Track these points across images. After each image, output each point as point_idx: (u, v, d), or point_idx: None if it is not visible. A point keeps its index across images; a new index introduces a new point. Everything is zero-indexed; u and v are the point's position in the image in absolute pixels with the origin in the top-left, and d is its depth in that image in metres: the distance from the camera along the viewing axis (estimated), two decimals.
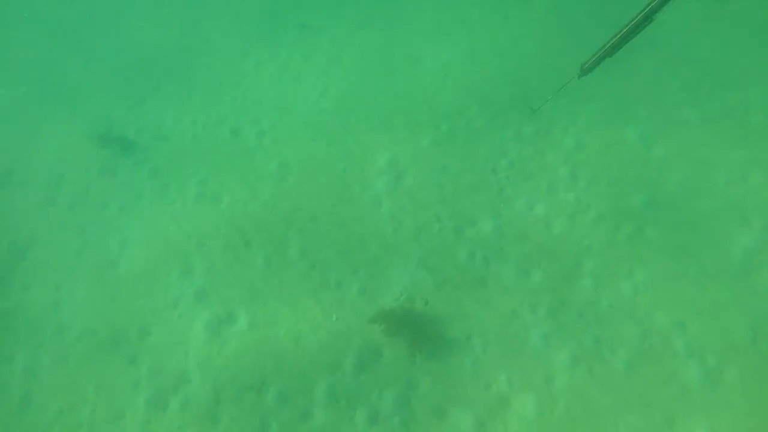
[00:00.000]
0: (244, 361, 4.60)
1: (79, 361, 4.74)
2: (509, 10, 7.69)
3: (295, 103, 6.84)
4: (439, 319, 4.68)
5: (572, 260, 5.03)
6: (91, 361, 4.74)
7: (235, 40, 8.00)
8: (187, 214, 5.75)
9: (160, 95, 7.25)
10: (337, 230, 5.41)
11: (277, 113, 6.71)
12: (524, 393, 4.27)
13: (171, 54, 7.95)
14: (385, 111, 6.54)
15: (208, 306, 4.97)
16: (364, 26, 7.94)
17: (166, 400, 4.45)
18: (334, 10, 8.26)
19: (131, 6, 8.89)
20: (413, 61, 7.21)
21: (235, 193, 5.88)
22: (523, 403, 4.23)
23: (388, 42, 7.57)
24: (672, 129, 5.91)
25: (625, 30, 2.87)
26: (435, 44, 7.41)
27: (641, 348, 4.45)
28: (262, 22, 8.25)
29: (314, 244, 5.31)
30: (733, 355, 4.33)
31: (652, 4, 2.77)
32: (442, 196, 5.60)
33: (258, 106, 6.86)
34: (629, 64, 6.16)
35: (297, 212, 5.61)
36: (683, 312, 4.61)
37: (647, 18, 2.83)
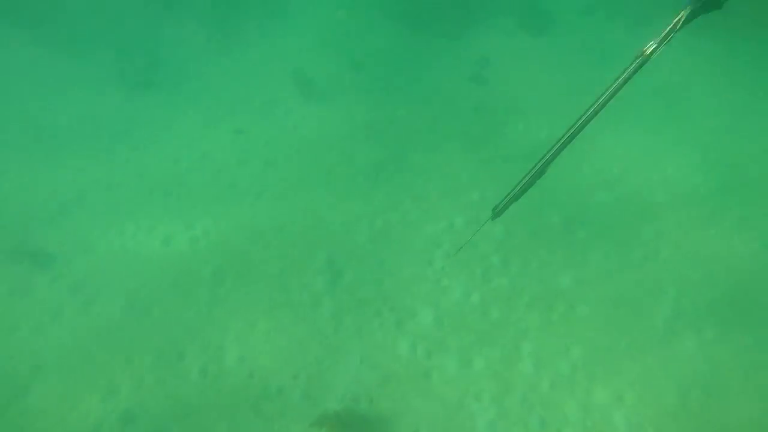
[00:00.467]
0: None
1: None
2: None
3: (230, 206, 7.01)
4: (385, 417, 4.75)
5: (511, 344, 5.29)
6: None
7: (164, 144, 8.19)
8: (113, 330, 5.60)
9: (85, 203, 7.22)
10: (277, 335, 5.48)
11: (210, 217, 6.83)
12: None
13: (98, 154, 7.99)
14: (320, 211, 6.83)
15: (136, 429, 4.83)
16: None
17: None
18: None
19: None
20: (346, 162, 7.62)
21: (167, 302, 5.86)
22: None
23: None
24: (589, 212, 6.49)
25: (533, 173, 3.35)
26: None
27: (584, 426, 4.66)
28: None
29: (252, 352, 5.33)
30: (668, 421, 4.62)
31: (554, 149, 3.28)
32: (382, 291, 5.83)
33: (189, 211, 6.96)
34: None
35: (233, 319, 5.65)
36: (619, 385, 4.90)
37: (549, 162, 3.34)
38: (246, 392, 5.02)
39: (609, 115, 2.92)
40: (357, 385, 5.00)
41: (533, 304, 5.62)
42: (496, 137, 7.81)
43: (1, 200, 7.29)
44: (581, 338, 5.30)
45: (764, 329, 5.27)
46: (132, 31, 10.34)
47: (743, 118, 7.76)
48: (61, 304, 5.87)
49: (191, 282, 6.03)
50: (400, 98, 8.58)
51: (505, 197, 3.41)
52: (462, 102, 8.40)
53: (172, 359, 5.29)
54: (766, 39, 8.41)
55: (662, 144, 7.43)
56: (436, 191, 6.96)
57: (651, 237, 6.25)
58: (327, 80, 9.02)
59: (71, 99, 9.15)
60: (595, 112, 3.05)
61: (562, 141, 3.18)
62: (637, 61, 2.90)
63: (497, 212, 3.52)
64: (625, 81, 2.95)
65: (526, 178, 3.34)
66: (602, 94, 3.02)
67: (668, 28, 2.83)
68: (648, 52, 2.86)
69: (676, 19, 2.80)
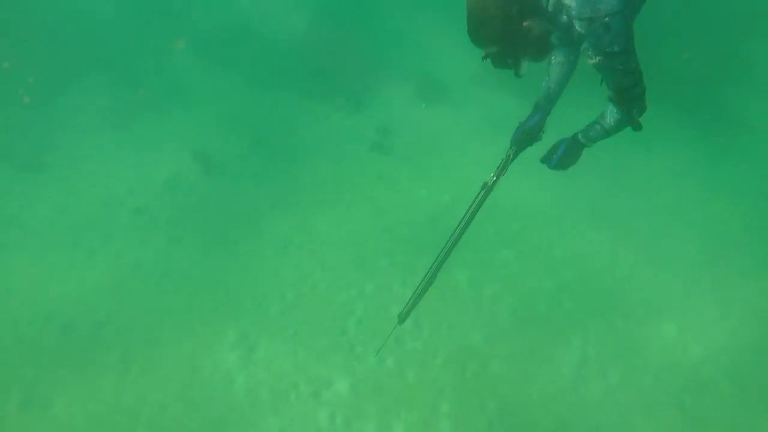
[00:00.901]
0: None
1: None
2: None
3: (134, 287, 6.88)
4: None
5: (429, 406, 5.48)
6: None
7: (61, 229, 7.94)
8: (9, 428, 5.35)
9: None
10: (190, 416, 5.38)
11: (115, 300, 6.67)
12: None
13: None
14: (230, 286, 6.85)
15: None
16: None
17: None
18: None
19: None
20: (253, 236, 7.72)
21: (70, 394, 5.63)
22: None
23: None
24: (494, 270, 6.93)
25: (428, 276, 4.02)
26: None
27: None
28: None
29: None
30: None
31: (446, 247, 3.86)
32: (297, 362, 5.88)
33: (93, 294, 6.77)
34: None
35: (144, 405, 5.51)
36: None
37: (441, 266, 4.06)
38: None
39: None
40: None
41: (447, 365, 5.86)
42: (401, 202, 8.21)
43: None
44: (495, 393, 5.58)
45: None
46: (20, 112, 10.08)
47: None
48: None
49: (97, 372, 5.83)
50: (305, 169, 8.86)
51: (407, 303, 4.04)
52: (366, 170, 8.79)
53: None
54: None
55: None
56: (345, 259, 7.18)
57: (554, 289, 6.71)
58: (228, 156, 9.18)
59: None
60: (457, 238, 3.86)
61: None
62: (484, 190, 3.68)
63: (402, 317, 4.11)
64: (477, 208, 3.73)
65: (422, 283, 3.99)
66: (460, 222, 3.76)
67: (502, 162, 3.71)
68: (490, 183, 3.64)
69: (507, 154, 3.63)
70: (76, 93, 10.61)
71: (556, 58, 3.51)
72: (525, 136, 3.61)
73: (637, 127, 3.17)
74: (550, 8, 2.89)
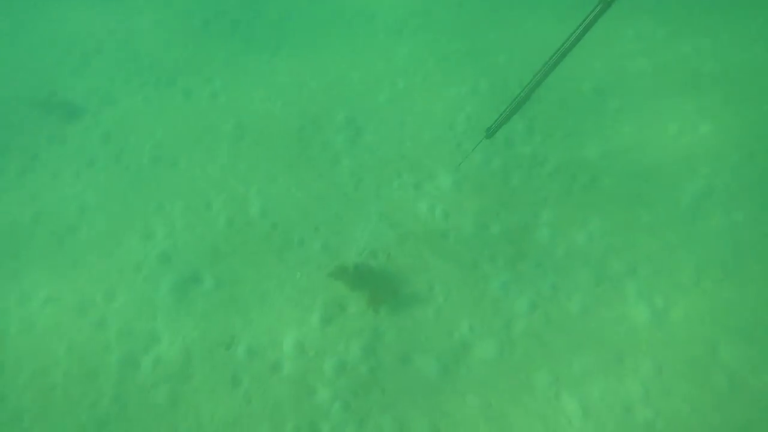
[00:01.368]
0: (211, 319, 4.97)
1: (46, 327, 5.04)
2: None
3: (247, 62, 7.04)
4: (402, 272, 5.13)
5: (530, 211, 5.52)
6: (59, 326, 5.04)
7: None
8: (144, 179, 6.00)
9: (104, 55, 7.34)
10: (297, 189, 5.76)
11: (229, 73, 6.91)
12: (485, 338, 4.77)
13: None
14: (342, 66, 6.83)
15: (172, 268, 5.29)
16: None
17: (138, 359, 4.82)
18: None
19: None
20: (367, 18, 7.47)
21: (192, 155, 6.14)
22: (484, 347, 4.73)
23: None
24: (626, 80, 6.42)
25: (525, 91, 3.64)
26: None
27: (595, 293, 4.99)
28: None
29: (275, 204, 5.66)
30: (679, 296, 4.91)
31: (550, 61, 3.54)
32: (402, 152, 5.99)
33: (207, 66, 7.03)
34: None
35: (255, 172, 5.93)
36: (634, 258, 5.16)
37: (541, 81, 3.64)
38: (270, 242, 5.41)
39: None
40: (375, 241, 5.33)
41: (556, 174, 5.76)
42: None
43: (28, 53, 7.40)
44: (601, 210, 5.49)
45: None
46: None
47: None
48: (95, 153, 6.28)
49: (213, 137, 6.25)
50: None
51: (499, 116, 3.78)
52: None
53: (200, 209, 5.66)
54: None
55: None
56: (462, 52, 6.88)
57: (692, 109, 6.18)
58: None
59: None
60: (565, 52, 3.45)
61: (545, 68, 3.60)
62: (602, 5, 3.31)
63: (491, 132, 3.86)
64: (591, 24, 3.38)
65: (518, 98, 3.68)
66: (570, 36, 3.45)
67: None
68: None
69: None
70: None
71: None
72: None
73: None
74: None
